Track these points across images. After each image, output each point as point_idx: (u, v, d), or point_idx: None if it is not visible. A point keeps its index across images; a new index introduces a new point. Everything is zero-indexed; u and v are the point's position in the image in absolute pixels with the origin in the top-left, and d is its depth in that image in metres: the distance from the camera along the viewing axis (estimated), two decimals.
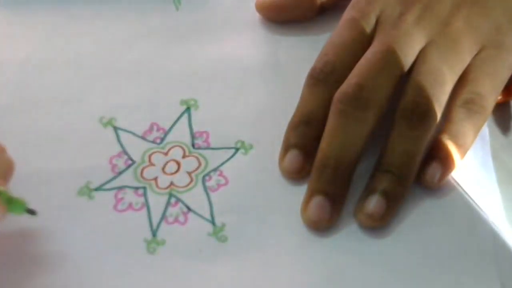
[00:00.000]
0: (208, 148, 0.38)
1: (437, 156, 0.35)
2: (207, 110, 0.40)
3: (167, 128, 0.39)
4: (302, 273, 0.33)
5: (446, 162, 0.35)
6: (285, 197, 0.35)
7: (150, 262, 0.33)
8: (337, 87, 0.36)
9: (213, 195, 0.36)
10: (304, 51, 0.41)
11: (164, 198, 0.36)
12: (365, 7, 0.38)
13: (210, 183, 0.36)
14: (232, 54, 0.42)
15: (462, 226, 0.34)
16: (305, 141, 0.36)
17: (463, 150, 0.36)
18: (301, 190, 0.35)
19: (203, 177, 0.37)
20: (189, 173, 0.37)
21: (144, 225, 0.35)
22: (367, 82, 0.35)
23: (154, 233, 0.34)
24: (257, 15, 0.44)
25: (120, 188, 0.36)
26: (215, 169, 0.37)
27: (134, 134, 0.38)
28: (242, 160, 0.37)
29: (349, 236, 0.34)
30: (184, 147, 0.38)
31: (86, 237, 0.34)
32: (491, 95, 0.37)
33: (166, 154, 0.38)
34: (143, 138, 0.38)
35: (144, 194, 0.36)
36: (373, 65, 0.36)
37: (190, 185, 0.36)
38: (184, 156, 0.38)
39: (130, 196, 0.36)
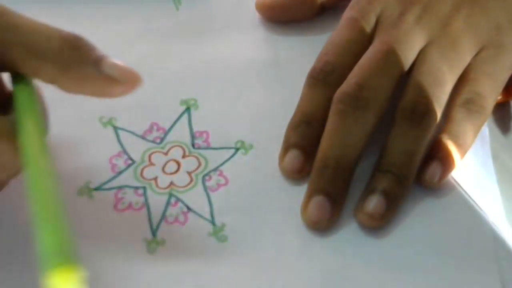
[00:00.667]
0: (208, 148, 0.38)
1: (437, 156, 0.35)
2: (207, 110, 0.40)
3: (167, 128, 0.39)
4: (302, 273, 0.33)
5: (446, 162, 0.35)
6: (285, 197, 0.35)
7: (150, 262, 0.33)
8: (337, 87, 0.36)
9: (213, 195, 0.36)
10: (304, 51, 0.41)
11: (164, 198, 0.36)
12: (365, 6, 0.38)
13: (210, 183, 0.36)
14: (232, 54, 0.42)
15: (462, 226, 0.34)
16: (305, 141, 0.36)
17: (463, 150, 0.36)
18: (301, 190, 0.35)
19: (203, 177, 0.37)
20: (189, 173, 0.37)
21: (144, 225, 0.35)
22: (367, 82, 0.35)
23: (154, 233, 0.34)
24: (257, 15, 0.44)
25: (120, 187, 0.36)
26: (215, 169, 0.37)
27: (134, 134, 0.38)
28: (242, 160, 0.37)
29: (349, 236, 0.34)
30: (184, 147, 0.38)
31: (86, 237, 0.34)
32: (491, 95, 0.37)
33: (166, 154, 0.38)
34: (143, 138, 0.38)
35: (144, 194, 0.36)
36: (373, 65, 0.36)
37: (190, 185, 0.36)
38: (184, 156, 0.38)
39: (130, 196, 0.36)
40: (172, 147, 0.38)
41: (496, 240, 0.34)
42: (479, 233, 0.34)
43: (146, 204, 0.35)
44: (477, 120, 0.36)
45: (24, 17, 0.31)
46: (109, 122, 0.39)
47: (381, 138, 0.36)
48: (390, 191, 0.34)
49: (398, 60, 0.36)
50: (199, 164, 0.37)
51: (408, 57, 0.36)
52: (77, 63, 0.31)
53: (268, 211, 0.35)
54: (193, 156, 0.37)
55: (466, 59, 0.37)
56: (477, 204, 0.35)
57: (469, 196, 0.35)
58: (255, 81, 0.41)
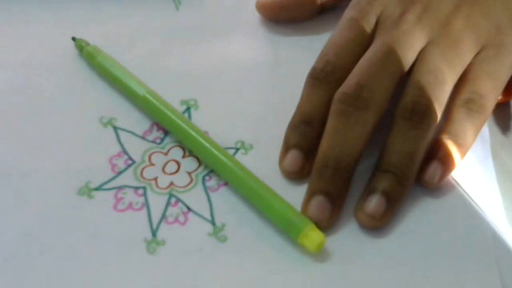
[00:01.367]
0: None
1: (437, 156, 0.35)
2: (207, 110, 0.40)
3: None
4: (302, 273, 0.33)
5: (446, 162, 0.35)
6: (285, 197, 0.35)
7: (150, 262, 0.33)
8: (337, 87, 0.36)
9: (213, 195, 0.36)
10: (304, 51, 0.41)
11: (164, 198, 0.36)
12: (365, 6, 0.38)
13: (210, 183, 0.36)
14: (232, 54, 0.42)
15: (462, 226, 0.34)
16: (305, 141, 0.36)
17: (463, 150, 0.36)
18: (301, 190, 0.35)
19: (203, 177, 0.37)
20: (189, 173, 0.37)
21: (144, 225, 0.35)
22: (367, 82, 0.35)
23: (154, 233, 0.34)
24: (257, 15, 0.44)
25: (120, 188, 0.36)
26: None
27: (134, 134, 0.38)
28: (242, 160, 0.37)
29: (349, 236, 0.34)
30: (184, 147, 0.38)
31: (86, 237, 0.34)
32: (492, 94, 0.37)
33: (166, 154, 0.38)
34: (143, 138, 0.38)
35: (144, 194, 0.36)
36: (373, 65, 0.36)
37: (190, 185, 0.36)
38: (184, 156, 0.38)
39: (130, 196, 0.36)
40: (172, 147, 0.38)
41: (496, 240, 0.34)
42: (479, 233, 0.34)
43: (146, 204, 0.35)
44: (477, 120, 0.36)
45: None
46: (109, 122, 0.39)
47: (381, 138, 0.36)
48: (390, 191, 0.34)
49: (398, 60, 0.36)
50: (199, 164, 0.37)
51: (408, 57, 0.36)
52: None
53: None
54: (193, 156, 0.37)
55: (467, 58, 0.37)
56: (477, 204, 0.35)
57: (469, 196, 0.35)
58: (255, 81, 0.41)
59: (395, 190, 0.34)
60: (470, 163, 0.37)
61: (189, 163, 0.37)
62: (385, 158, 0.35)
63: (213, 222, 0.35)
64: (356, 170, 0.35)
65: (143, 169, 0.37)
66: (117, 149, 0.38)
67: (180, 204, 0.35)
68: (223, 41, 0.43)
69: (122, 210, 0.35)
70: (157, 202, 0.36)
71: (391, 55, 0.36)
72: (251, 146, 0.38)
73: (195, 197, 0.36)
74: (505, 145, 0.38)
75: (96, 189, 0.36)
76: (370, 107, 0.35)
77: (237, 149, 0.38)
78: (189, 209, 0.35)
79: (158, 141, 0.38)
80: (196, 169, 0.37)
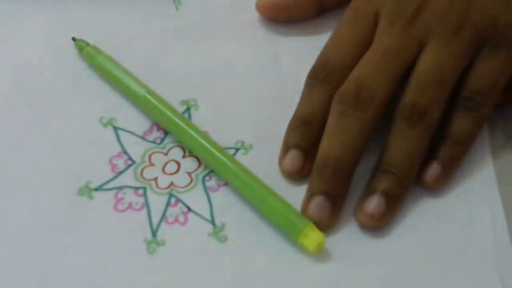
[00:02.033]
0: None
1: (437, 156, 0.35)
2: (207, 110, 0.40)
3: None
4: (302, 274, 0.33)
5: (446, 162, 0.35)
6: (285, 197, 0.35)
7: (150, 262, 0.33)
8: (337, 87, 0.36)
9: (213, 195, 0.36)
10: (304, 51, 0.41)
11: (164, 198, 0.36)
12: (365, 6, 0.38)
13: (210, 183, 0.36)
14: (232, 54, 0.42)
15: (462, 226, 0.34)
16: (305, 141, 0.36)
17: (463, 150, 0.36)
18: (301, 190, 0.35)
19: (203, 177, 0.37)
20: (189, 173, 0.37)
21: (144, 225, 0.35)
22: (367, 82, 0.35)
23: (154, 233, 0.34)
24: (257, 15, 0.44)
25: (120, 188, 0.36)
26: None
27: (134, 134, 0.39)
28: (242, 160, 0.37)
29: (349, 236, 0.34)
30: (184, 147, 0.38)
31: (86, 237, 0.34)
32: (492, 94, 0.37)
33: (166, 154, 0.38)
34: (143, 138, 0.38)
35: (144, 194, 0.36)
36: (373, 64, 0.36)
37: (190, 185, 0.36)
38: (184, 156, 0.38)
39: (130, 196, 0.36)
40: (172, 147, 0.38)
41: (496, 240, 0.34)
42: (479, 233, 0.34)
43: (146, 204, 0.35)
44: (477, 119, 0.36)
45: None
46: (109, 122, 0.39)
47: (381, 138, 0.36)
48: (390, 192, 0.34)
49: (398, 60, 0.36)
50: (199, 164, 0.37)
51: (408, 57, 0.36)
52: None
53: None
54: (193, 156, 0.37)
55: (467, 58, 0.37)
56: (477, 204, 0.35)
57: (469, 196, 0.35)
58: (255, 81, 0.41)
59: (395, 191, 0.34)
60: (470, 163, 0.37)
61: (189, 163, 0.37)
62: (385, 158, 0.35)
63: (213, 222, 0.35)
64: (356, 170, 0.35)
65: (143, 169, 0.37)
66: (117, 149, 0.38)
67: (180, 204, 0.36)
68: (223, 41, 0.43)
69: (122, 210, 0.35)
70: (157, 202, 0.36)
71: (390, 55, 0.36)
72: (251, 146, 0.38)
73: (195, 197, 0.36)
74: (505, 145, 0.38)
75: (96, 189, 0.36)
76: (370, 107, 0.35)
77: (237, 149, 0.38)
78: (189, 209, 0.35)
79: (158, 141, 0.38)
80: (196, 169, 0.37)
